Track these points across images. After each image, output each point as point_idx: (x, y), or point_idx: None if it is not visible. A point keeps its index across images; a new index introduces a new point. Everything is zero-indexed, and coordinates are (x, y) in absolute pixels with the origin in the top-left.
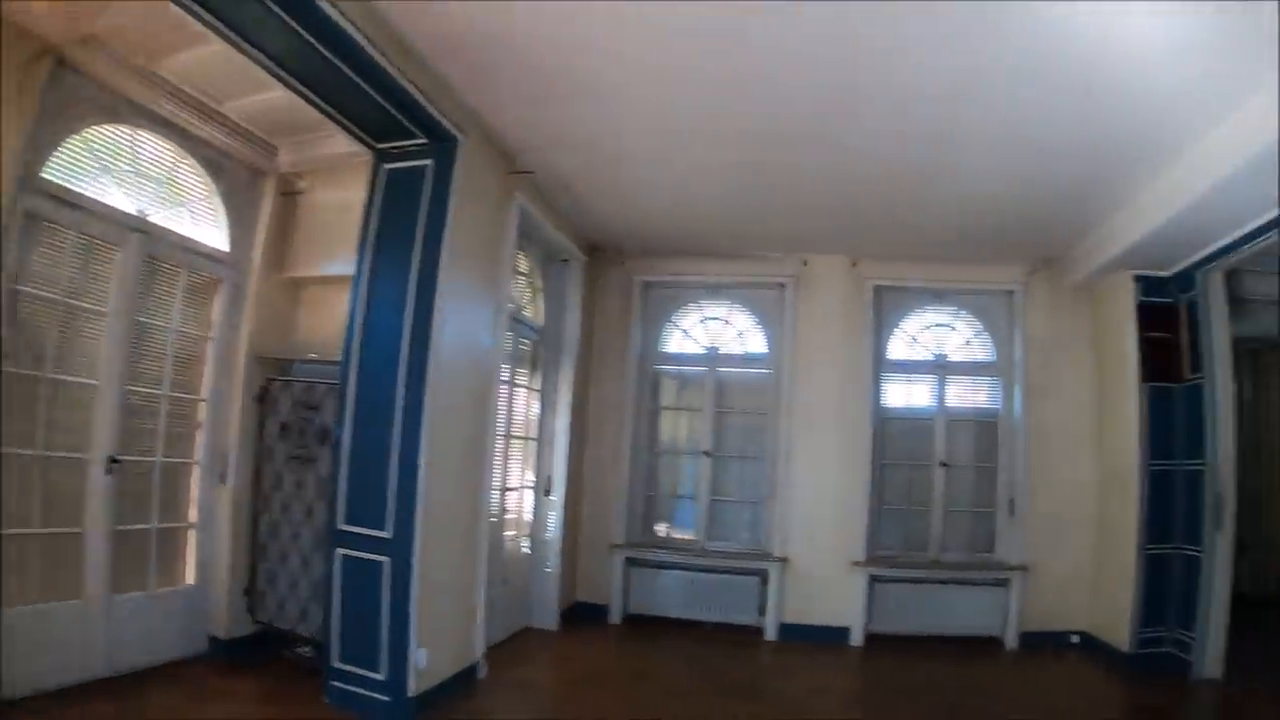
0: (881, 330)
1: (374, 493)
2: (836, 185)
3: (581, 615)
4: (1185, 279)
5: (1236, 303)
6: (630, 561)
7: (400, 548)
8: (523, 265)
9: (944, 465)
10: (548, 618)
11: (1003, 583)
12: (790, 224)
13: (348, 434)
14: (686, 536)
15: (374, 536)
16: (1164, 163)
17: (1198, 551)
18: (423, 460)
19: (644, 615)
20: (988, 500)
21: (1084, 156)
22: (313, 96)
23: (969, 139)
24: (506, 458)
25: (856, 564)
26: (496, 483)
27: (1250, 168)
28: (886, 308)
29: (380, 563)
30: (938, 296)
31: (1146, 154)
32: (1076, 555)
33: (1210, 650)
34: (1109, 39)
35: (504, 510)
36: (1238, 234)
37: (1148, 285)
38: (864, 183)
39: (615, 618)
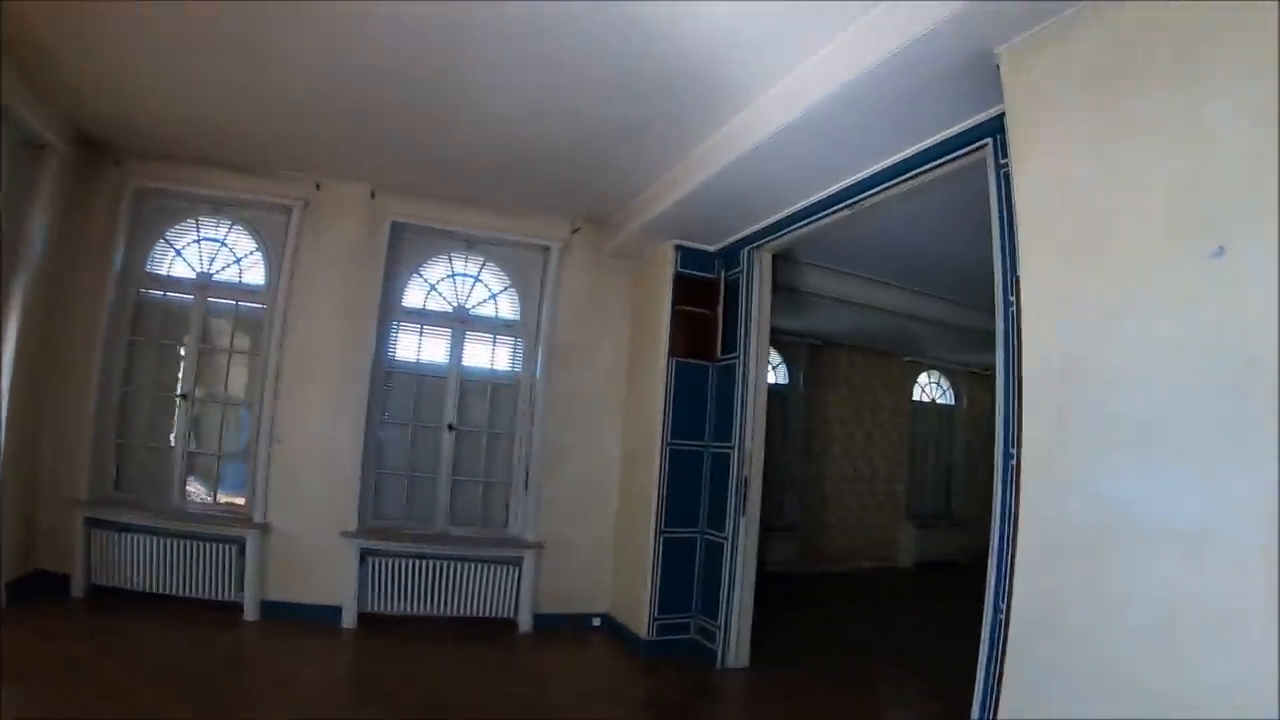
0: (397, 273)
1: None
2: (338, 86)
3: (40, 588)
4: (731, 256)
5: (798, 295)
6: (94, 523)
7: None
8: None
9: (452, 429)
10: None
11: (516, 561)
12: (301, 135)
13: None
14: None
15: None
16: (711, 124)
17: (721, 537)
18: None
19: (113, 588)
20: (504, 471)
21: (630, 104)
22: None
23: (484, 51)
24: None
25: (348, 534)
26: None
27: (788, 136)
28: (406, 249)
29: None
30: (467, 244)
31: (693, 112)
32: (599, 534)
33: (735, 639)
34: None
35: None
36: (781, 214)
37: (690, 257)
38: (369, 85)
39: (78, 591)
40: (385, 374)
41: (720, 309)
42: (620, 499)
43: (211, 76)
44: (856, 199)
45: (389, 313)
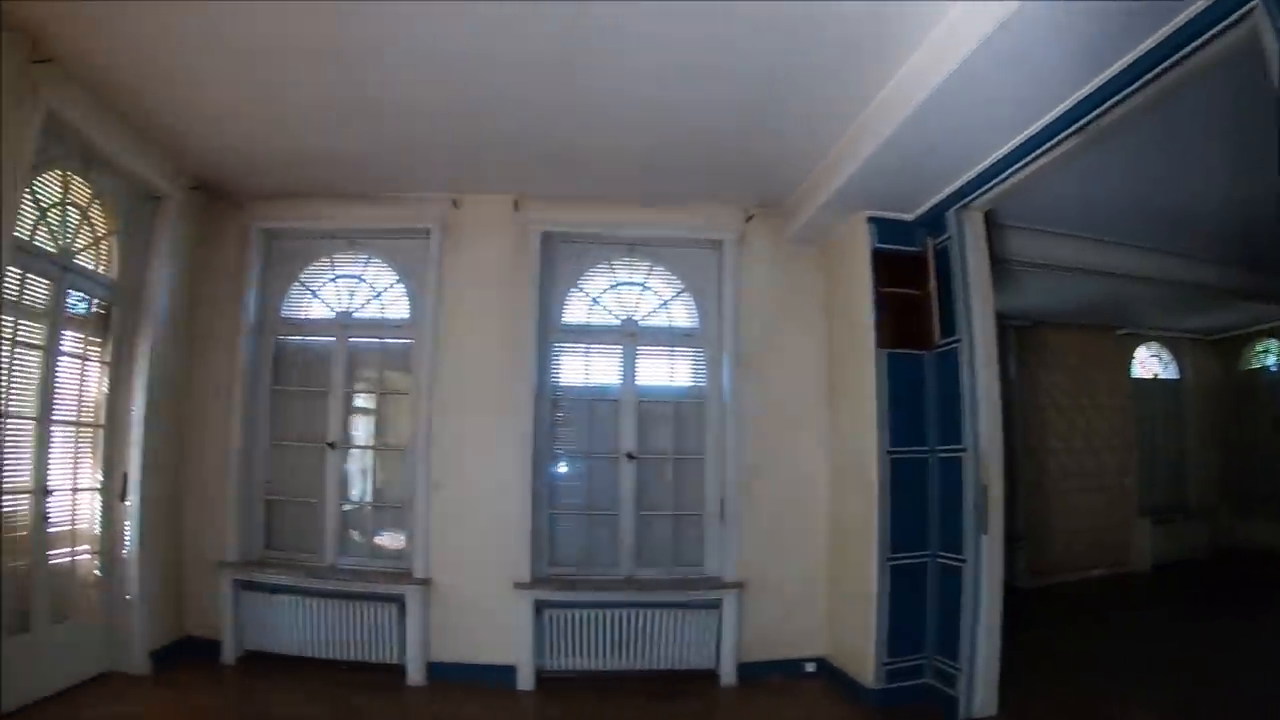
0: (554, 289)
1: None
2: (458, 85)
3: (188, 654)
4: (934, 222)
5: (1000, 268)
6: (244, 585)
7: None
8: (81, 197)
9: (632, 458)
10: (134, 659)
11: (714, 604)
12: (428, 146)
13: None
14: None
15: None
16: (891, 61)
17: (958, 560)
18: None
19: (267, 653)
20: (694, 501)
21: (793, 49)
22: None
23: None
24: (47, 446)
25: (520, 585)
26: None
27: (989, 53)
28: (561, 261)
29: None
30: (629, 248)
31: (869, 48)
32: (808, 566)
33: (980, 682)
34: None
35: (43, 518)
36: (989, 160)
37: (887, 230)
38: (495, 78)
39: (229, 656)
40: (551, 402)
41: (932, 286)
42: (830, 523)
43: (318, 96)
44: (1085, 120)
45: (549, 333)
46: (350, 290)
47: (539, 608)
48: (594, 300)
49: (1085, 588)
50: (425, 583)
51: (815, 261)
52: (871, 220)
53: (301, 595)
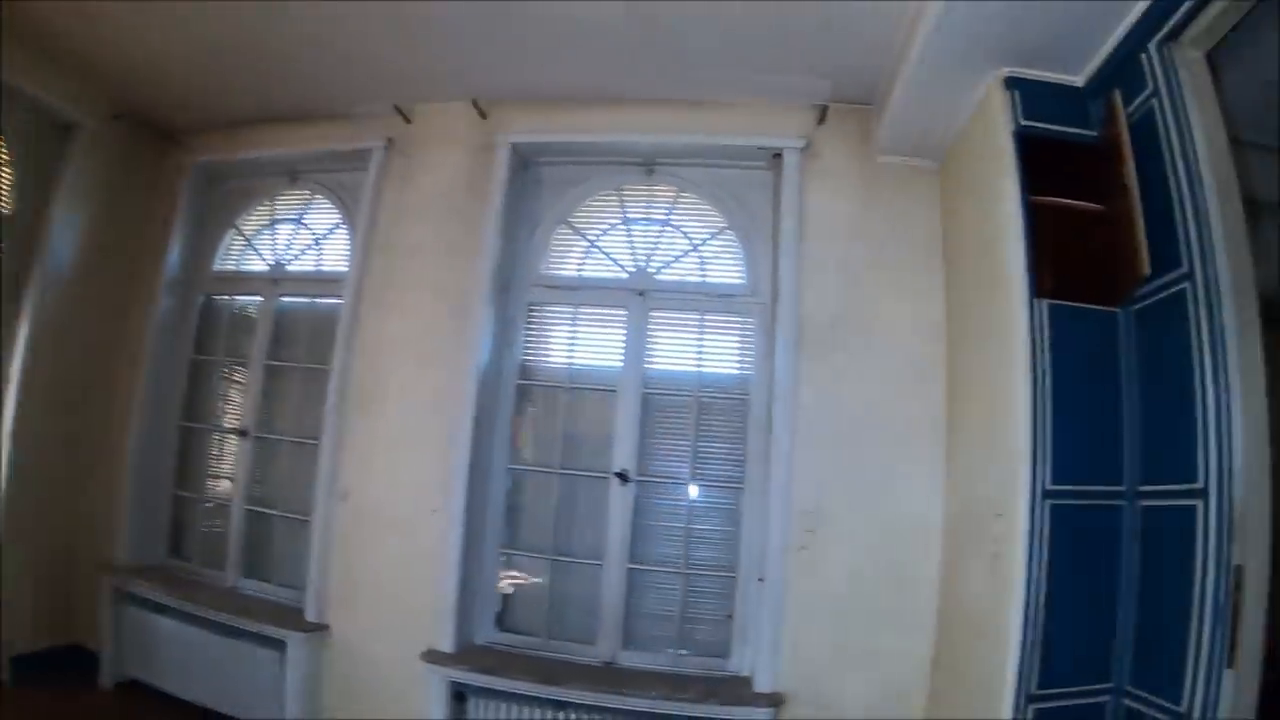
0: (532, 228)
1: None
2: None
3: (68, 665)
4: (1122, 77)
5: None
6: (126, 597)
7: None
8: None
9: (625, 479)
10: None
11: None
12: (370, 44)
13: None
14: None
15: None
16: None
17: (1174, 712)
18: None
19: (147, 684)
20: (722, 552)
21: None
22: None
23: None
24: None
25: (434, 658)
26: None
27: None
28: (545, 188)
29: None
30: (644, 170)
31: None
32: (899, 678)
33: None
34: None
35: None
36: None
37: (1040, 101)
38: None
39: (107, 680)
40: (513, 388)
41: (1131, 186)
42: (942, 611)
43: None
44: None
45: (517, 289)
46: (288, 238)
47: (459, 695)
48: (591, 244)
49: None
50: (318, 629)
51: (927, 183)
52: (1012, 83)
53: (184, 621)
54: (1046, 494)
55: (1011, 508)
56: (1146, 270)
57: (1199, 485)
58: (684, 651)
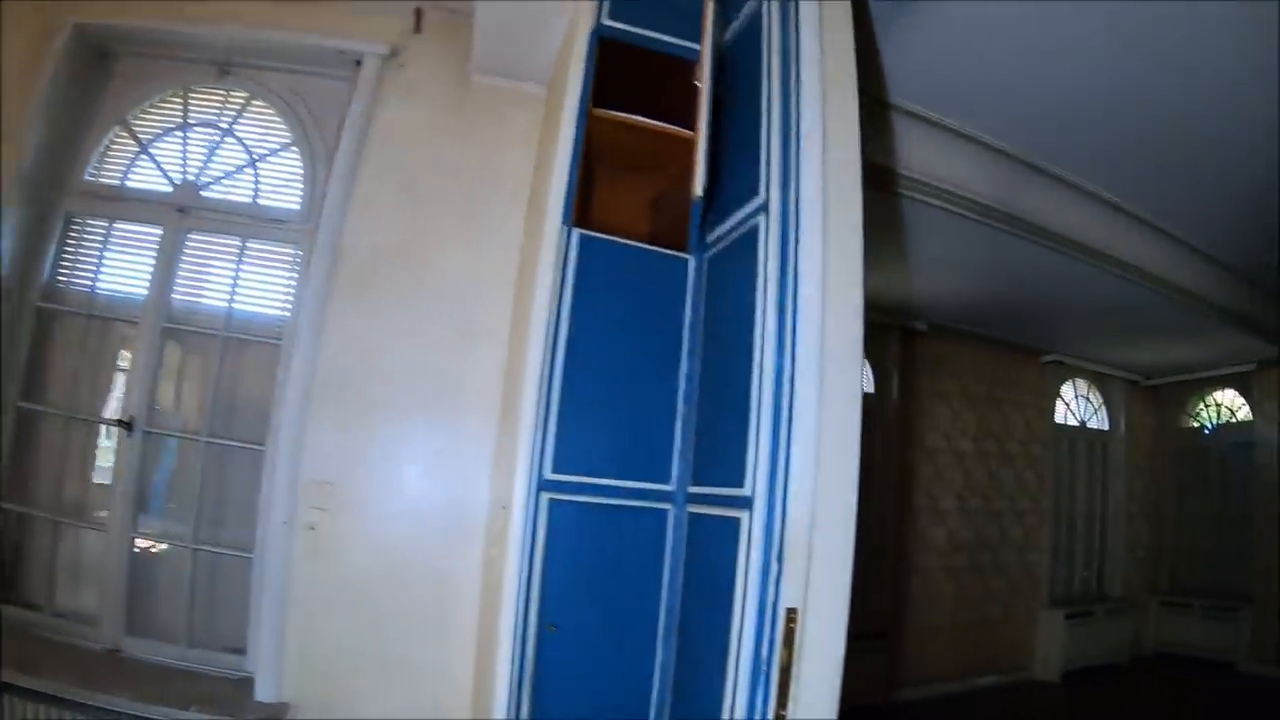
0: (87, 125)
1: None
2: None
3: None
4: None
5: (880, 195)
6: None
7: None
8: None
9: (130, 428)
10: None
11: None
12: None
13: None
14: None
15: None
16: None
17: None
18: None
19: None
20: (238, 531)
21: None
22: None
23: None
24: None
25: None
26: None
27: None
28: (115, 84)
29: None
30: (222, 65)
31: None
32: (432, 691)
33: None
34: None
35: None
36: None
37: (642, 8)
38: None
39: None
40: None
41: (699, 100)
42: (486, 615)
43: None
44: None
45: (55, 195)
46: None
47: None
48: (143, 149)
49: (973, 706)
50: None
51: (529, 114)
52: None
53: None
54: (540, 487)
55: (514, 503)
56: (699, 191)
57: (745, 490)
58: (192, 646)
